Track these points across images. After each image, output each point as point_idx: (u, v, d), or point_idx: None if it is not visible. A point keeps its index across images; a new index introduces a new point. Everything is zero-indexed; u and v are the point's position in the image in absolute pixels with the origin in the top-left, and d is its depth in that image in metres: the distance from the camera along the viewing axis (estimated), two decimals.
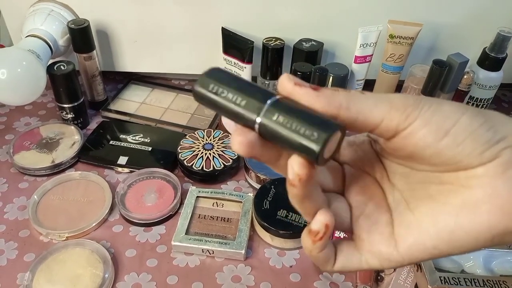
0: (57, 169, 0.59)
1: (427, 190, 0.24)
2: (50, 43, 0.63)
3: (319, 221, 0.23)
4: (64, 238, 0.51)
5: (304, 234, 0.24)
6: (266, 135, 0.21)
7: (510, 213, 0.21)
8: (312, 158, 0.20)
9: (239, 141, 0.21)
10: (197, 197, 0.55)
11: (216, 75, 0.22)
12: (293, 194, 0.23)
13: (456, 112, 0.21)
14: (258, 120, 0.21)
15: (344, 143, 0.28)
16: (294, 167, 0.21)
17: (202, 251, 0.50)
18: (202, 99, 0.23)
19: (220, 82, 0.22)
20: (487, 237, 0.21)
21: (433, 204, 0.23)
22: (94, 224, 0.52)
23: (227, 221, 0.53)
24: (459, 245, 0.22)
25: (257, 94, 0.21)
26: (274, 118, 0.20)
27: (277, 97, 0.21)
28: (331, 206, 0.26)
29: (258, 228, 0.52)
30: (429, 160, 0.22)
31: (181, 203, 0.55)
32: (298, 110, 0.21)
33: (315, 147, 0.20)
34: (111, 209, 0.54)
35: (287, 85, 0.22)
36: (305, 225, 0.50)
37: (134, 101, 0.71)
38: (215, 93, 0.22)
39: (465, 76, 0.62)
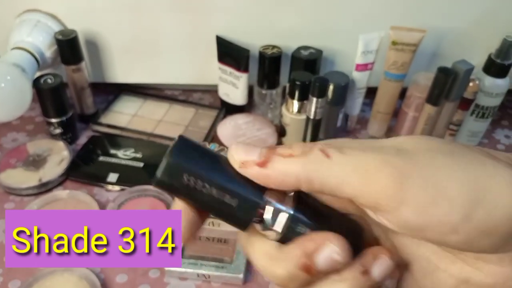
0: (44, 188, 0.56)
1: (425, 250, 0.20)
2: (37, 56, 0.60)
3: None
4: None
5: None
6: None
7: None
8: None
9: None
10: None
11: (187, 156, 0.18)
12: None
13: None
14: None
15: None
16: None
17: (198, 276, 0.47)
18: (170, 190, 0.19)
19: (195, 171, 0.18)
20: None
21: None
22: None
23: (224, 242, 0.50)
24: None
25: (246, 191, 0.19)
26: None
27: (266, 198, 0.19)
28: None
29: None
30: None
31: None
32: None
33: None
34: None
35: (235, 166, 0.19)
36: None
37: (126, 114, 0.68)
38: (191, 187, 0.18)
39: (470, 84, 0.59)
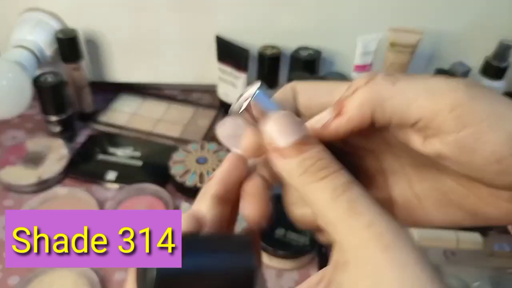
0: (43, 185, 0.56)
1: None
2: (37, 54, 0.60)
3: None
4: None
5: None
6: None
7: None
8: None
9: None
10: None
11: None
12: None
13: None
14: None
15: None
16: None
17: None
18: None
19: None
20: None
21: None
22: None
23: None
24: None
25: None
26: None
27: None
28: None
29: None
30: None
31: None
32: None
33: None
34: None
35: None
36: (304, 245, 0.47)
37: (125, 112, 0.68)
38: None
39: None
